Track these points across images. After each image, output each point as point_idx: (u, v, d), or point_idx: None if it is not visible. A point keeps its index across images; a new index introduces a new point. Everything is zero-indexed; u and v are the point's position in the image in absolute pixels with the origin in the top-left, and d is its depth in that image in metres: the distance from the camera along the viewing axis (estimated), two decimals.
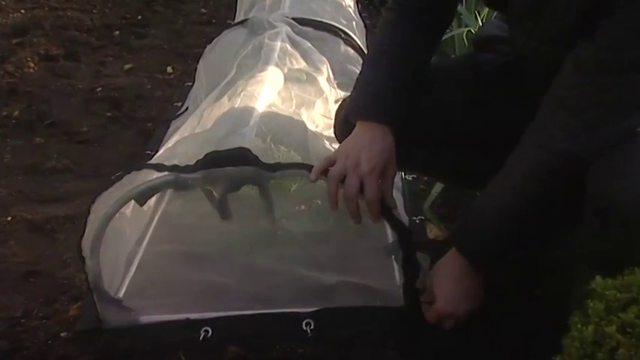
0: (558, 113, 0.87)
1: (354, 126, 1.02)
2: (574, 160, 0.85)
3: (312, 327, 1.09)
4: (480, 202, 1.00)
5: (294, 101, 1.34)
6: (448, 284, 1.00)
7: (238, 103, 1.23)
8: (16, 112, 2.07)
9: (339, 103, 1.18)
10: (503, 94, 1.05)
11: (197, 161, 0.99)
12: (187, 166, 1.00)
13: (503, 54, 1.06)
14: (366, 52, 1.84)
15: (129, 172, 1.03)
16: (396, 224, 1.02)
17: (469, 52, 1.31)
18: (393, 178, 1.02)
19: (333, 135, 1.20)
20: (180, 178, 1.00)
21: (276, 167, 1.00)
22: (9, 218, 1.51)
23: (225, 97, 1.29)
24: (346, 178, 0.97)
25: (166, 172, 1.01)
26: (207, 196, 1.07)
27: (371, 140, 1.00)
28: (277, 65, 1.45)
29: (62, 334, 1.15)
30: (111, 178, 1.04)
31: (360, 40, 1.89)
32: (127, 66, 2.51)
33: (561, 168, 0.87)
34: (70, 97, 2.20)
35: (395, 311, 1.09)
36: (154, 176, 1.02)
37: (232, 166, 0.99)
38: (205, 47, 2.00)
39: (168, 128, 1.84)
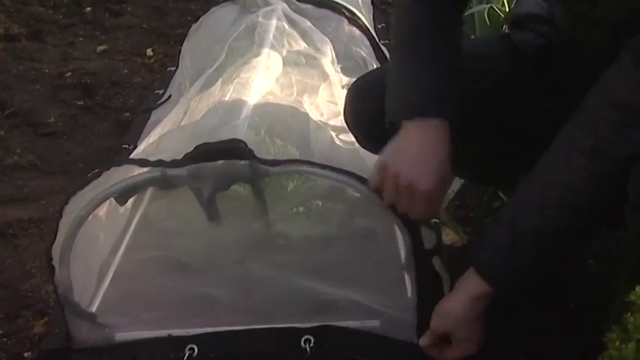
0: (611, 113, 0.84)
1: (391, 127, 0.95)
2: (629, 165, 0.83)
3: (311, 344, 1.09)
4: (510, 216, 0.93)
5: (294, 88, 1.34)
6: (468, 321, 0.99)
7: (230, 92, 1.23)
8: None
9: (350, 86, 1.17)
10: (540, 81, 1.04)
11: (185, 155, 1.00)
12: (174, 160, 1.01)
13: (543, 35, 1.04)
14: (373, 32, 1.85)
15: (107, 169, 1.03)
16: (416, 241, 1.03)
17: (503, 33, 1.30)
18: (448, 188, 0.99)
19: (340, 124, 1.20)
20: (166, 174, 1.00)
21: (274, 163, 1.00)
22: None
23: (216, 85, 1.30)
24: (396, 199, 0.94)
25: (150, 168, 1.01)
26: (197, 195, 1.07)
27: (428, 149, 0.92)
28: (273, 47, 1.45)
29: (26, 354, 1.16)
30: (87, 175, 1.04)
31: (366, 19, 1.90)
32: (101, 48, 2.52)
33: (614, 175, 0.85)
34: (35, 83, 2.22)
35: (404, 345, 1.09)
36: (136, 172, 1.02)
37: (225, 160, 0.99)
38: (190, 27, 2.01)
39: (148, 119, 1.84)
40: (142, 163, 1.02)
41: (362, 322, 1.13)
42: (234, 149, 1.00)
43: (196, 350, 1.11)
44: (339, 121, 1.20)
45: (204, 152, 0.99)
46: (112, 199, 1.07)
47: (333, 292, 1.13)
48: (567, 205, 0.88)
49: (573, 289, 1.22)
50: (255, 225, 1.24)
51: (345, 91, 1.19)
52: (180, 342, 1.12)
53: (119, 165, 1.04)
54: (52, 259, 1.05)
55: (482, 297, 0.96)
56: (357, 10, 1.85)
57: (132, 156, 1.16)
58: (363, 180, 1.01)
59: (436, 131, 0.92)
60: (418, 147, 0.92)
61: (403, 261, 1.09)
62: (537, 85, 1.05)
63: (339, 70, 1.57)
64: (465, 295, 0.97)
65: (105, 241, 1.26)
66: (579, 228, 0.91)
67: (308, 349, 1.08)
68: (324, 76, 1.46)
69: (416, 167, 0.91)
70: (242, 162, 1.00)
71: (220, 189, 1.05)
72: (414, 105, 0.94)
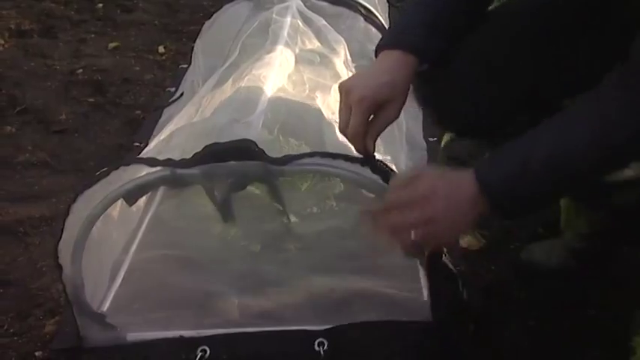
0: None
1: None
2: None
3: (325, 347, 1.09)
4: (528, 144, 0.88)
5: (306, 85, 1.34)
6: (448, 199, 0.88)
7: (242, 88, 1.24)
8: None
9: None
10: (580, 31, 1.00)
11: (195, 155, 1.00)
12: (184, 160, 1.01)
13: None
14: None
15: (116, 168, 1.04)
16: (377, 168, 1.00)
17: None
18: (390, 119, 0.98)
19: None
20: (176, 174, 1.00)
21: (285, 160, 1.00)
22: None
23: (229, 82, 1.30)
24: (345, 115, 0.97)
25: (160, 168, 1.02)
26: (209, 194, 1.07)
27: (379, 71, 0.97)
28: (287, 45, 1.45)
29: (37, 354, 1.16)
30: (95, 173, 1.05)
31: (382, 17, 1.90)
32: (112, 44, 2.53)
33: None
34: (46, 80, 2.23)
35: (420, 327, 1.09)
36: (145, 172, 1.03)
37: (235, 161, 0.99)
38: (203, 24, 2.01)
39: (159, 117, 1.85)
40: (150, 162, 1.03)
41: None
42: (244, 149, 1.00)
43: (208, 352, 1.12)
44: None
45: (214, 152, 0.99)
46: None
47: (347, 291, 1.13)
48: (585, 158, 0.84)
49: (595, 297, 1.21)
50: (268, 225, 1.24)
51: None
52: (192, 343, 1.13)
53: (128, 164, 1.05)
54: (58, 257, 1.05)
55: (469, 198, 0.87)
56: (374, 7, 1.84)
57: (142, 154, 1.17)
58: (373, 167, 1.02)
59: (396, 61, 0.97)
60: (372, 70, 0.98)
61: None
62: (576, 35, 1.00)
63: (353, 69, 1.57)
64: (452, 181, 0.90)
65: (117, 240, 1.27)
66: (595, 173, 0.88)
67: (322, 351, 1.08)
68: (337, 77, 1.46)
69: (358, 81, 0.97)
70: (255, 162, 1.00)
71: (236, 189, 1.05)
72: (389, 38, 1.00)
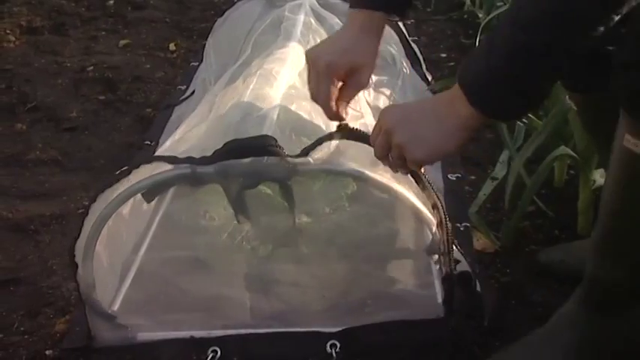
0: None
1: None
2: None
3: (337, 349, 1.09)
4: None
5: None
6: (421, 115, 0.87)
7: (253, 83, 1.24)
8: None
9: None
10: None
11: (215, 152, 1.00)
12: (204, 157, 1.01)
13: None
14: (403, 29, 1.84)
15: (137, 166, 1.04)
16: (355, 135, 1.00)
17: None
18: (361, 85, 0.99)
19: (360, 127, 1.19)
20: (196, 172, 1.00)
21: (305, 152, 1.00)
22: None
23: (240, 80, 1.30)
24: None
25: (180, 165, 1.01)
26: (227, 193, 1.08)
27: (346, 35, 0.98)
28: (299, 43, 1.45)
29: (47, 352, 1.17)
30: (109, 171, 1.05)
31: None
32: (123, 42, 2.55)
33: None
34: (57, 77, 2.25)
35: (434, 328, 1.09)
36: (163, 169, 1.03)
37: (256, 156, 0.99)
38: (215, 21, 2.02)
39: (170, 115, 1.86)
40: (171, 160, 1.03)
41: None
42: (265, 146, 1.00)
43: (219, 353, 1.12)
44: (359, 123, 1.20)
45: (235, 149, 0.99)
46: (135, 197, 1.08)
47: (360, 293, 1.13)
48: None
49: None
50: (279, 225, 1.24)
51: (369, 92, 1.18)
52: (203, 344, 1.13)
53: (149, 162, 1.05)
54: (74, 256, 1.06)
55: (450, 101, 0.84)
56: None
57: (158, 152, 1.17)
58: None
59: (363, 19, 0.97)
60: (341, 32, 1.00)
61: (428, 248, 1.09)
62: None
63: None
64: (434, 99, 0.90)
65: (127, 240, 1.28)
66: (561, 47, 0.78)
67: (334, 353, 1.08)
68: None
69: (327, 45, 1.00)
70: (272, 159, 1.00)
71: (248, 187, 1.05)
72: (354, 2, 0.99)
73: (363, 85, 1.00)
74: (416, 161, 0.87)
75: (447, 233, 1.03)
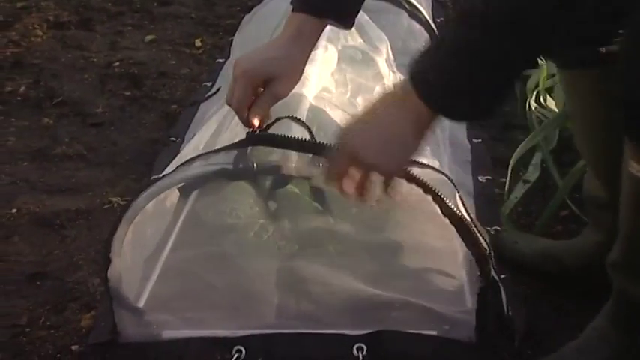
0: None
1: None
2: None
3: (364, 352, 1.09)
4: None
5: (349, 86, 1.34)
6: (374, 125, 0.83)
7: None
8: (22, 88, 2.16)
9: None
10: None
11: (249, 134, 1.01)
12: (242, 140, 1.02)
13: None
14: (434, 26, 1.83)
15: (183, 164, 1.05)
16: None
17: None
18: (277, 95, 0.99)
19: None
20: (238, 167, 1.01)
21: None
22: (13, 211, 1.57)
23: None
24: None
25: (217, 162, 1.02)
26: (259, 191, 1.09)
27: (276, 42, 0.99)
28: (330, 40, 1.45)
29: (73, 347, 1.19)
30: (131, 166, 1.06)
31: (426, 12, 1.88)
32: (149, 37, 2.57)
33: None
34: (83, 72, 2.28)
35: (464, 347, 1.08)
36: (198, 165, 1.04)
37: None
38: (241, 17, 2.03)
39: (196, 112, 1.87)
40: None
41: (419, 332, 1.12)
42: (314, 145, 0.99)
43: (244, 352, 1.13)
44: None
45: (272, 139, 0.99)
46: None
47: (388, 296, 1.13)
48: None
49: None
50: (306, 225, 1.24)
51: None
52: (227, 343, 1.14)
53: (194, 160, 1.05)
54: (110, 250, 1.07)
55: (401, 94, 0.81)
56: (417, 2, 1.83)
57: (186, 150, 1.18)
58: None
59: (298, 25, 0.98)
60: (275, 37, 1.01)
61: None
62: None
63: (395, 69, 1.56)
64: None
65: (150, 238, 1.29)
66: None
67: (361, 356, 1.08)
68: (379, 77, 1.46)
69: (253, 52, 1.01)
70: (303, 157, 1.00)
71: (277, 187, 1.06)
72: (294, 2, 1.01)
73: (280, 96, 1.00)
74: (388, 173, 0.84)
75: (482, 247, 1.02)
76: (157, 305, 1.20)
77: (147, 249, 1.28)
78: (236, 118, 1.25)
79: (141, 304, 1.20)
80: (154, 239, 1.31)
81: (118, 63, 2.34)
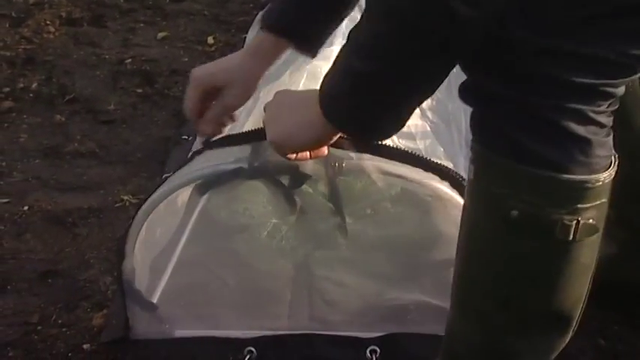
0: None
1: None
2: None
3: (377, 355, 1.09)
4: None
5: None
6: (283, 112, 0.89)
7: (302, 82, 1.24)
8: (34, 85, 2.17)
9: None
10: None
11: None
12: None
13: None
14: None
15: (199, 153, 1.05)
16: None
17: None
18: (227, 105, 1.00)
19: (405, 129, 1.19)
20: (254, 166, 1.01)
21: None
22: (25, 208, 1.59)
23: (286, 75, 1.31)
24: None
25: (235, 160, 1.02)
26: (278, 190, 1.09)
27: (236, 53, 1.01)
28: (345, 38, 1.45)
29: (84, 346, 1.20)
30: (143, 165, 1.07)
31: None
32: (161, 34, 2.58)
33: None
34: (95, 69, 2.29)
35: None
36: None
37: None
38: (255, 15, 2.02)
39: None
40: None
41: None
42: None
43: (255, 353, 1.13)
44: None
45: None
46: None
47: (403, 297, 1.13)
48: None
49: None
50: (321, 225, 1.24)
51: None
52: (239, 343, 1.15)
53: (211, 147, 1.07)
54: (125, 244, 1.07)
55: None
56: None
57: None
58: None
59: (260, 39, 0.99)
60: (236, 53, 1.02)
61: None
62: None
63: None
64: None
65: (162, 236, 1.29)
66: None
67: (374, 359, 1.08)
68: None
69: (212, 62, 1.03)
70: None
71: (294, 186, 1.06)
72: (262, 17, 1.01)
73: (230, 106, 1.01)
74: (275, 145, 0.88)
75: None
76: (169, 303, 1.21)
77: (158, 247, 1.28)
78: (251, 117, 1.27)
79: (154, 300, 1.21)
80: (166, 237, 1.32)
81: (130, 60, 2.35)
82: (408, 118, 0.78)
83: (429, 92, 0.76)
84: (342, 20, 1.03)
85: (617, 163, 0.77)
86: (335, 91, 0.77)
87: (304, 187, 1.23)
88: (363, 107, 0.76)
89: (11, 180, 1.71)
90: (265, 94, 1.29)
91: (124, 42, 2.51)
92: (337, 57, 0.78)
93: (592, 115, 0.72)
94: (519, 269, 0.78)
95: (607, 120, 0.75)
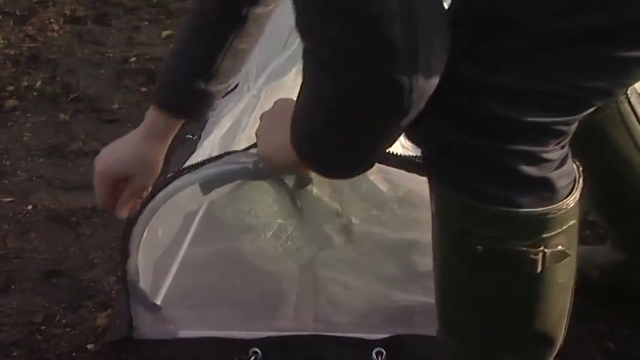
0: None
1: None
2: None
3: (383, 356, 1.09)
4: None
5: None
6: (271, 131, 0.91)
7: None
8: (38, 83, 2.18)
9: None
10: None
11: None
12: None
13: None
14: None
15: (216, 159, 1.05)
16: None
17: None
18: (137, 190, 1.05)
19: None
20: (259, 167, 1.01)
21: None
22: (29, 207, 1.59)
23: (290, 74, 1.31)
24: None
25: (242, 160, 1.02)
26: (285, 191, 1.09)
27: (129, 139, 1.04)
28: None
29: (88, 346, 1.20)
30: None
31: None
32: (166, 32, 2.58)
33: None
34: (99, 68, 2.29)
35: None
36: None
37: None
38: None
39: None
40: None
41: None
42: None
43: (260, 354, 1.13)
44: None
45: None
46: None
47: (409, 299, 1.13)
48: None
49: None
50: (326, 226, 1.24)
51: None
52: (244, 344, 1.15)
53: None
54: (129, 242, 1.08)
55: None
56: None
57: (205, 146, 1.18)
58: None
59: (152, 121, 1.03)
60: (132, 133, 1.06)
61: None
62: None
63: None
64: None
65: (164, 236, 1.29)
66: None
67: None
68: None
69: (108, 151, 1.07)
70: None
71: (299, 187, 1.06)
72: (153, 96, 1.05)
73: (138, 191, 1.05)
74: (262, 159, 0.92)
75: None
76: (174, 303, 1.21)
77: (161, 247, 1.28)
78: (254, 114, 1.27)
79: (158, 300, 1.21)
80: (169, 237, 1.32)
81: (134, 58, 2.36)
82: (376, 159, 0.78)
83: (391, 141, 0.75)
84: (229, 85, 1.07)
85: (581, 180, 0.76)
86: (300, 129, 0.77)
87: (309, 187, 1.23)
88: (328, 151, 0.75)
89: (15, 179, 1.71)
90: (266, 95, 1.30)
91: (128, 40, 2.51)
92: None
93: (543, 155, 0.71)
94: (496, 297, 0.78)
95: (560, 153, 0.73)
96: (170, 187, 1.05)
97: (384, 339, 1.11)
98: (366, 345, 1.11)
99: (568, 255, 0.75)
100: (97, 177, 1.06)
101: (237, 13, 1.00)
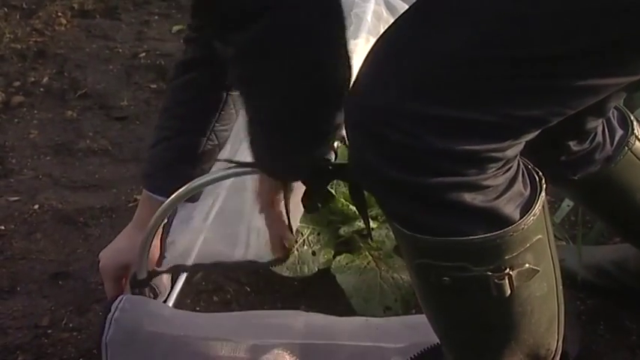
0: None
1: None
2: None
3: None
4: None
5: None
6: None
7: None
8: (45, 79, 2.20)
9: None
10: None
11: None
12: None
13: None
14: None
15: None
16: None
17: None
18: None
19: None
20: None
21: None
22: (36, 207, 1.61)
23: None
24: None
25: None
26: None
27: (125, 233, 1.13)
28: (370, 33, 1.45)
29: (95, 351, 1.20)
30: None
31: None
32: (176, 27, 2.59)
33: None
34: (108, 63, 2.31)
35: None
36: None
37: None
38: None
39: None
40: None
41: None
42: None
43: None
44: None
45: None
46: None
47: None
48: None
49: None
50: (342, 229, 1.25)
51: None
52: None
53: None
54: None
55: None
56: None
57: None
58: None
59: (146, 207, 1.10)
60: (131, 223, 1.14)
61: None
62: None
63: None
64: None
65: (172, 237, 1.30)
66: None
67: None
68: None
69: (111, 245, 1.15)
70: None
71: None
72: (143, 181, 1.13)
73: None
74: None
75: None
76: (184, 306, 1.21)
77: (173, 248, 1.29)
78: None
79: (170, 303, 1.22)
80: (181, 237, 1.32)
81: (144, 54, 2.37)
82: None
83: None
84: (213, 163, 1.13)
85: (543, 193, 0.76)
86: (256, 142, 0.86)
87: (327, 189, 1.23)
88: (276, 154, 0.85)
89: (21, 177, 1.73)
90: None
91: (137, 35, 2.53)
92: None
93: (484, 182, 0.72)
94: (476, 321, 0.81)
95: (505, 177, 0.74)
96: (186, 190, 1.06)
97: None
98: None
99: (537, 271, 0.76)
100: (101, 270, 1.13)
101: (218, 99, 1.09)
